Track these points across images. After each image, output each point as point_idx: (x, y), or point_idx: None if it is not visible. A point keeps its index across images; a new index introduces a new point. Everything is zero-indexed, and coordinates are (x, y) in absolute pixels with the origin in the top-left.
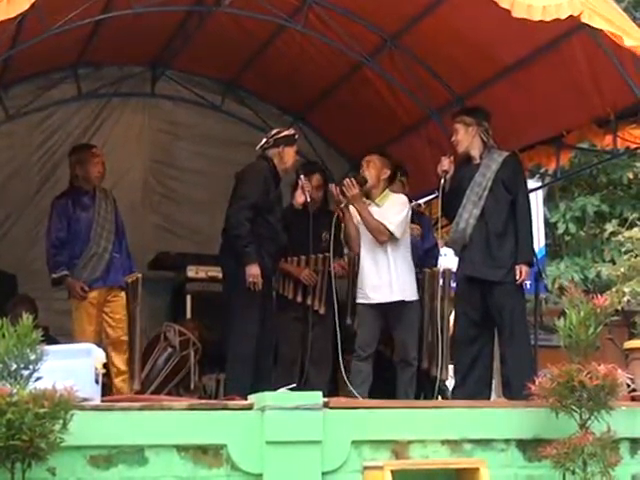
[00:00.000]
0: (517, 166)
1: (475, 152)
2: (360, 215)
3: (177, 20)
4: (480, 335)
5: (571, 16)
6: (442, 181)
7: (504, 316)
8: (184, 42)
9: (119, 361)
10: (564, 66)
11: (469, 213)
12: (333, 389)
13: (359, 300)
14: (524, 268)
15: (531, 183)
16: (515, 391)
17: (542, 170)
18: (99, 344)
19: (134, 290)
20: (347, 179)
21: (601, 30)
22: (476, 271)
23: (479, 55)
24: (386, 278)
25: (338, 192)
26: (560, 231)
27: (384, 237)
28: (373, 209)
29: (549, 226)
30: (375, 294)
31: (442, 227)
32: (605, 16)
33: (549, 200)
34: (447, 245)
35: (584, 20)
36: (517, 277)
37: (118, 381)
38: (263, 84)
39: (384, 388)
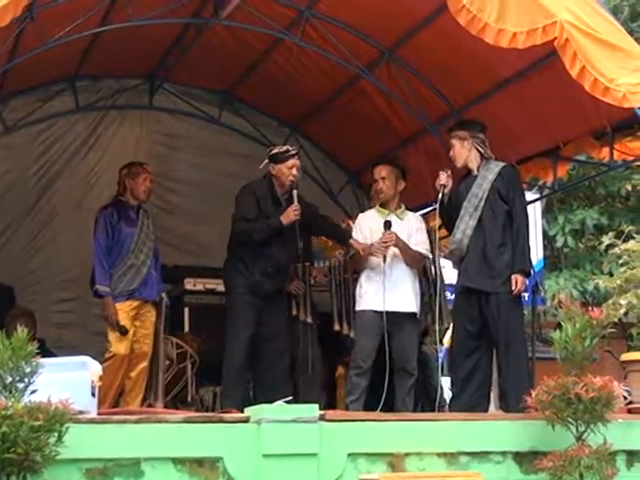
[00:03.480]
0: (514, 176)
1: (473, 165)
2: (405, 253)
3: (175, 33)
4: (478, 347)
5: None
6: (440, 195)
7: (500, 327)
8: (181, 54)
9: (135, 373)
10: (561, 79)
11: (466, 224)
12: (329, 400)
13: (360, 307)
14: (520, 278)
15: (529, 195)
16: (511, 403)
17: (540, 182)
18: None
19: (159, 309)
20: (386, 235)
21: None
22: (472, 282)
23: (477, 68)
24: (389, 287)
25: (380, 246)
26: (559, 244)
27: (422, 263)
28: (394, 219)
29: (547, 239)
30: (378, 301)
31: (439, 239)
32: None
33: (547, 212)
34: (445, 257)
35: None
36: (513, 287)
37: (129, 396)
38: (260, 96)
39: (381, 397)
